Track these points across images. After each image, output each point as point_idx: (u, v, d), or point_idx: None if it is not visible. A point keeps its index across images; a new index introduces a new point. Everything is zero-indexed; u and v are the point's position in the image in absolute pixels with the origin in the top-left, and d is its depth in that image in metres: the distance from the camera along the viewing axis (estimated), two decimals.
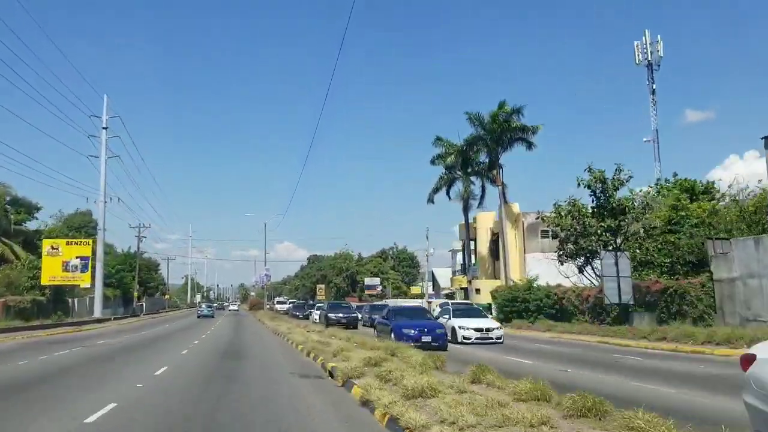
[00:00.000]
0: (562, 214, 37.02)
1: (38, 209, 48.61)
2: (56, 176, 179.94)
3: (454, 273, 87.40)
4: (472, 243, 52.60)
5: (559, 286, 35.59)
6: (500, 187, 44.92)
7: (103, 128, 53.74)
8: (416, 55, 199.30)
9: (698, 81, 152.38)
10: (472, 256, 51.99)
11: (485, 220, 50.42)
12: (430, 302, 62.98)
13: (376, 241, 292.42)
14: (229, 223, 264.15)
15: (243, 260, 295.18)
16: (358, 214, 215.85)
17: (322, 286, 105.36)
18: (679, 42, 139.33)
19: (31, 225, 50.34)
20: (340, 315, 34.32)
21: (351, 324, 33.44)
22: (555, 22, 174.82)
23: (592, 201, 37.47)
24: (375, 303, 43.67)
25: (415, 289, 71.42)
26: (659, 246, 32.04)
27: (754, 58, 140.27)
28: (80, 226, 63.58)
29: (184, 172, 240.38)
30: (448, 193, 52.04)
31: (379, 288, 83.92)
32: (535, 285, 36.97)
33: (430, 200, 52.30)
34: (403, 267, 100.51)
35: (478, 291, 46.80)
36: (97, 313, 51.23)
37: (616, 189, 36.51)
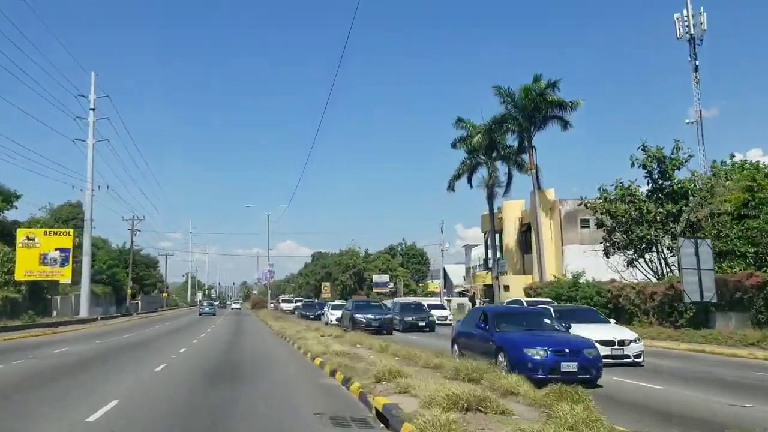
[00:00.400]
0: (611, 199, 31.80)
1: (17, 197, 43.29)
2: (39, 161, 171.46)
3: (467, 270, 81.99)
4: (496, 236, 47.15)
5: (613, 281, 30.19)
6: (533, 171, 39.47)
7: (91, 109, 48.41)
8: (431, 35, 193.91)
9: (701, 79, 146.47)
10: (497, 250, 46.49)
11: (513, 210, 44.97)
12: (449, 300, 57.64)
13: (382, 239, 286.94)
14: (230, 218, 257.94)
15: (245, 255, 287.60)
16: (362, 212, 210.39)
17: (327, 283, 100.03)
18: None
19: (10, 215, 44.97)
20: (371, 317, 27.08)
21: (384, 328, 26.67)
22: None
23: (648, 183, 32.32)
24: (405, 301, 37.70)
25: (432, 286, 66.04)
26: (740, 233, 26.69)
27: (756, 57, 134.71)
28: (69, 218, 58.22)
29: (184, 172, 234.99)
30: (470, 180, 46.69)
31: (391, 285, 78.44)
32: (582, 280, 31.59)
33: (451, 188, 46.91)
34: (412, 264, 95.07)
35: (506, 288, 41.38)
36: (84, 312, 45.88)
37: (677, 169, 31.36)
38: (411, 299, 45.82)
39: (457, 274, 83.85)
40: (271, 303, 61.29)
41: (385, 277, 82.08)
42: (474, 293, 50.89)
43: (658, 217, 30.33)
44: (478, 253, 75.81)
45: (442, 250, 63.13)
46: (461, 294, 76.93)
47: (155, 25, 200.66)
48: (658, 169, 31.10)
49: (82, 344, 21.02)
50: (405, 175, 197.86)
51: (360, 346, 16.57)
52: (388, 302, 37.91)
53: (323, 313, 37.06)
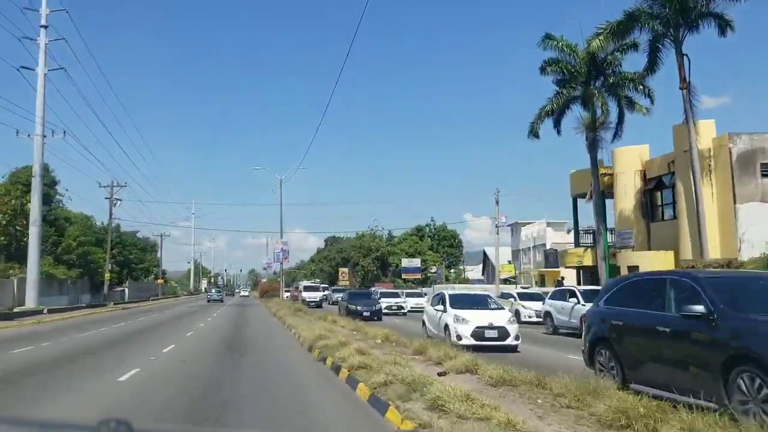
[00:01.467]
0: None
1: None
2: None
3: (515, 253, 68.12)
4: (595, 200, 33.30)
5: None
6: (685, 93, 25.40)
7: (42, 27, 35.04)
8: None
9: (715, 65, 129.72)
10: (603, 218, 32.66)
11: (630, 160, 31.19)
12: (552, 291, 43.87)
13: (395, 222, 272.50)
14: (236, 193, 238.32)
15: (254, 231, 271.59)
16: (374, 195, 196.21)
17: (345, 269, 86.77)
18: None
19: None
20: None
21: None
22: None
23: None
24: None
25: (506, 269, 52.27)
26: None
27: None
28: (29, 182, 44.80)
29: (177, 134, 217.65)
30: (557, 122, 33.04)
31: (433, 270, 64.83)
32: None
33: (533, 133, 33.17)
34: (443, 247, 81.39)
35: (632, 269, 27.62)
36: (30, 301, 32.67)
37: None
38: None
39: (501, 257, 69.98)
40: (287, 292, 47.23)
41: (416, 261, 68.62)
42: (561, 279, 37.18)
43: None
44: (528, 232, 62.04)
45: (497, 226, 49.32)
46: (506, 281, 63.14)
47: None
48: None
49: None
50: (414, 160, 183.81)
51: None
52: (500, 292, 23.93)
53: (380, 309, 23.15)
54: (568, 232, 62.76)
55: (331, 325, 19.68)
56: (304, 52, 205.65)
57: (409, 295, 32.64)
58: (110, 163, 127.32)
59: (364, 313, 24.59)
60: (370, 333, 15.36)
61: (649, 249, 29.31)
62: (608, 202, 33.42)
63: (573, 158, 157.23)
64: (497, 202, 49.26)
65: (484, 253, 74.61)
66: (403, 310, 29.90)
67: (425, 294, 34.99)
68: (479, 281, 75.16)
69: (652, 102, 30.18)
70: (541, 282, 54.38)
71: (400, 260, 73.72)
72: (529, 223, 60.45)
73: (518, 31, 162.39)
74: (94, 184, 48.02)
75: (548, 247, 55.03)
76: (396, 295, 30.60)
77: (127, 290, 59.13)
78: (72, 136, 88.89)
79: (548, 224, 56.61)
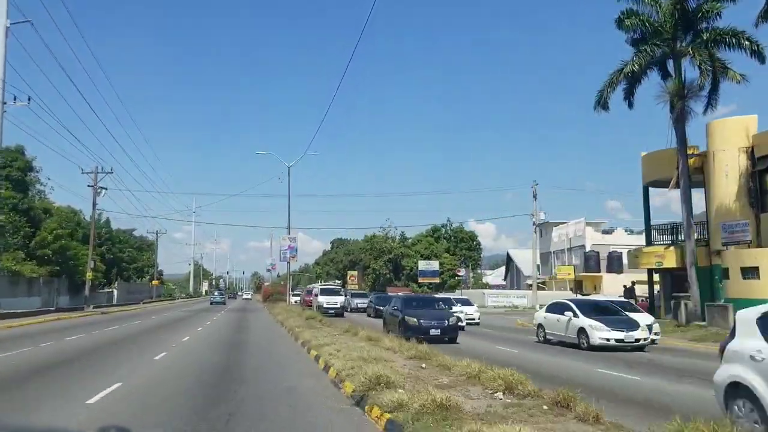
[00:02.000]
0: None
1: None
2: None
3: (545, 257, 61.34)
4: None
5: None
6: None
7: None
8: None
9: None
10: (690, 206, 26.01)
11: (732, 134, 24.66)
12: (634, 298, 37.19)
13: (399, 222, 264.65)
14: (237, 184, 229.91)
15: (258, 226, 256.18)
16: (379, 195, 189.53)
17: (354, 272, 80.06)
18: None
19: None
20: None
21: None
22: None
23: None
24: None
25: (563, 270, 45.37)
26: None
27: None
28: (2, 165, 38.45)
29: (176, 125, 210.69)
30: (630, 92, 26.72)
31: (462, 273, 58.20)
32: None
33: (602, 104, 26.90)
34: (460, 249, 74.65)
35: (749, 272, 21.08)
36: None
37: None
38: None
39: (525, 260, 63.32)
40: (295, 296, 40.26)
41: (435, 264, 61.91)
42: (632, 284, 30.49)
43: None
44: (562, 233, 55.31)
45: (534, 224, 42.65)
46: (531, 286, 56.36)
47: None
48: None
49: None
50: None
51: None
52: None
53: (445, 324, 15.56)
54: (605, 232, 56.24)
55: (369, 344, 13.18)
56: (304, 52, 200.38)
57: (457, 301, 24.97)
58: (109, 157, 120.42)
59: (431, 331, 16.17)
60: (456, 369, 8.75)
61: (759, 245, 22.71)
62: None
63: (580, 155, 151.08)
64: (535, 197, 42.64)
65: (508, 256, 67.93)
66: (461, 323, 21.13)
67: (472, 302, 28.08)
68: (500, 287, 68.53)
69: (762, 61, 23.71)
70: (578, 288, 47.73)
71: (415, 263, 67.13)
72: (562, 223, 53.71)
73: (518, 34, 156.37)
74: (88, 179, 41.24)
75: (588, 249, 48.44)
76: (448, 302, 22.52)
77: (116, 292, 52.61)
78: (64, 127, 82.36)
79: (587, 224, 50.00)
